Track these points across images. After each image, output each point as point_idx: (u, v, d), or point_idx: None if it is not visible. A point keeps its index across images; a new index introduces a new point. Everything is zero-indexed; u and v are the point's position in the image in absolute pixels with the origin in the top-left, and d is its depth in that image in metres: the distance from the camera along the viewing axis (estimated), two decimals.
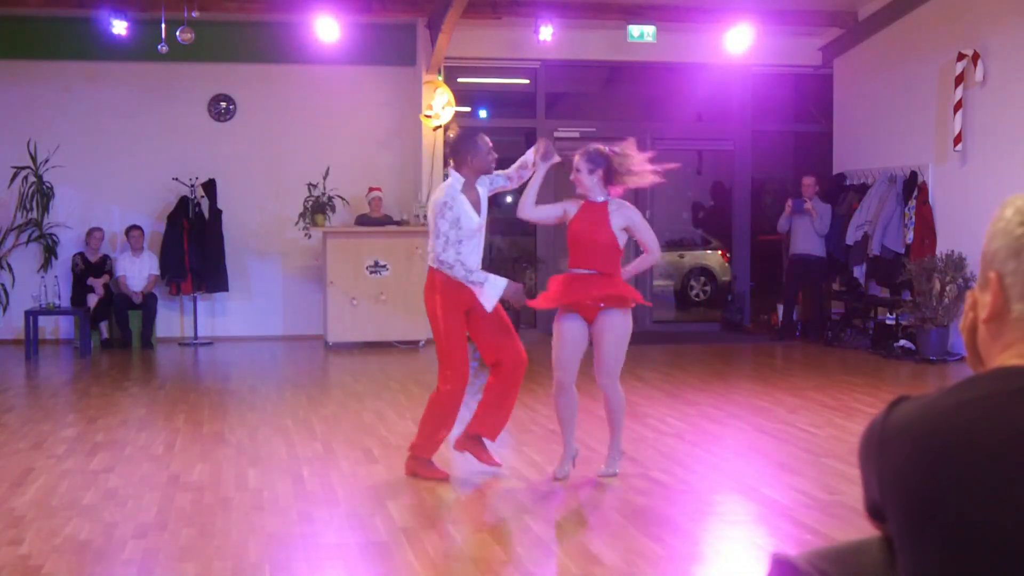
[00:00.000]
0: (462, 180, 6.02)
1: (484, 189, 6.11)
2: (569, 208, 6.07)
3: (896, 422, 1.51)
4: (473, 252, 5.97)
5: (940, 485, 1.41)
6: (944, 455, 1.42)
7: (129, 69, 12.60)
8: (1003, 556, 1.36)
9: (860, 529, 1.61)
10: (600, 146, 6.10)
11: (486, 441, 6.30)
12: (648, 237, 6.05)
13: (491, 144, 6.15)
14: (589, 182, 6.00)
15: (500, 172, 6.24)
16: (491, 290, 5.86)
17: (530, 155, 6.20)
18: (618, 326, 5.93)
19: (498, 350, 6.08)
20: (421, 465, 6.17)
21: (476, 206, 6.01)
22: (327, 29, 11.83)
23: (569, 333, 5.97)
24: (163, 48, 11.36)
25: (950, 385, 1.49)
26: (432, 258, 6.00)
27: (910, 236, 11.58)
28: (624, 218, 5.98)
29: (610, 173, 6.01)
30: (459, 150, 6.09)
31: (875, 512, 1.54)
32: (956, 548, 1.39)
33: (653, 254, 6.14)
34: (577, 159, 6.04)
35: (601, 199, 6.03)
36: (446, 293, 5.97)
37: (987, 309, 1.53)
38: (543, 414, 8.07)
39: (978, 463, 1.39)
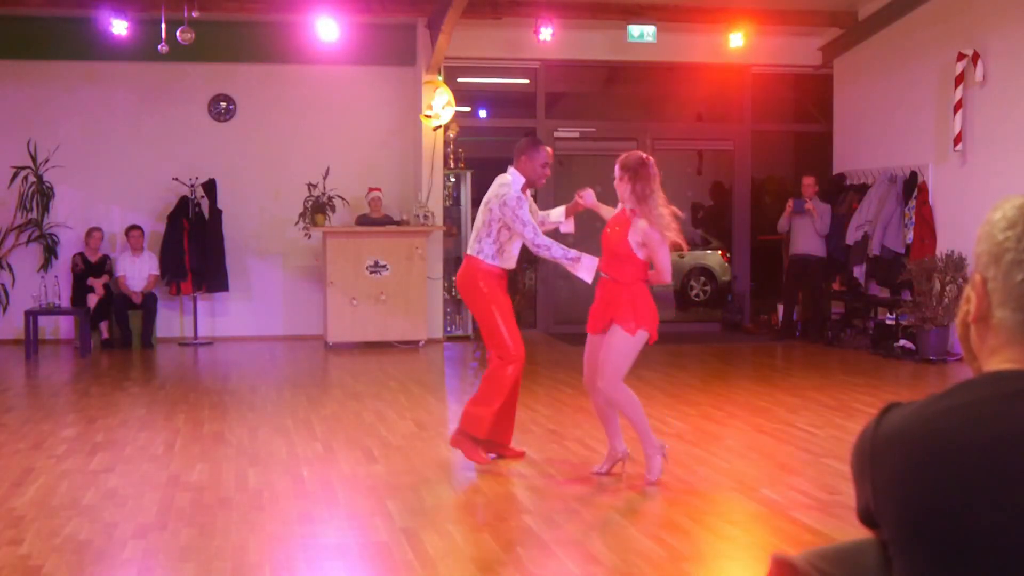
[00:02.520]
0: (521, 180, 6.26)
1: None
2: (612, 212, 6.11)
3: (887, 429, 1.50)
4: (517, 245, 6.35)
5: (933, 491, 1.41)
6: (936, 460, 1.42)
7: (129, 69, 12.60)
8: (997, 560, 1.36)
9: (860, 529, 1.61)
10: (639, 152, 5.96)
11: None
12: (658, 259, 5.82)
13: (550, 160, 6.33)
14: (619, 189, 5.89)
15: (544, 213, 6.52)
16: (589, 264, 6.08)
17: (558, 213, 6.48)
18: (617, 339, 5.85)
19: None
20: (465, 442, 6.38)
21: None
22: (327, 29, 11.83)
23: (588, 346, 6.09)
24: (163, 48, 11.36)
25: (940, 391, 1.49)
26: (473, 247, 6.35)
27: (910, 236, 11.58)
28: (641, 232, 5.80)
29: (636, 181, 5.79)
30: (522, 148, 6.31)
31: (868, 519, 1.54)
32: (950, 553, 1.39)
33: (660, 275, 5.88)
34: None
35: (630, 207, 5.88)
36: (488, 279, 6.30)
37: (973, 310, 1.54)
38: (543, 414, 8.07)
39: (970, 467, 1.39)
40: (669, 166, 15.39)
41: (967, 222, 10.77)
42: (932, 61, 11.53)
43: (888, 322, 11.71)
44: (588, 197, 6.28)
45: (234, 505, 5.54)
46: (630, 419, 5.95)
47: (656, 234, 5.78)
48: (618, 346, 5.84)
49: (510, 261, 6.40)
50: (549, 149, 6.38)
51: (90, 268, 12.37)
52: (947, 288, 10.73)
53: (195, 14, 11.38)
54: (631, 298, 5.86)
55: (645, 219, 5.78)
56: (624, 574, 4.51)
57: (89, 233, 12.37)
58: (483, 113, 14.36)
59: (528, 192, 6.39)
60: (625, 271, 5.88)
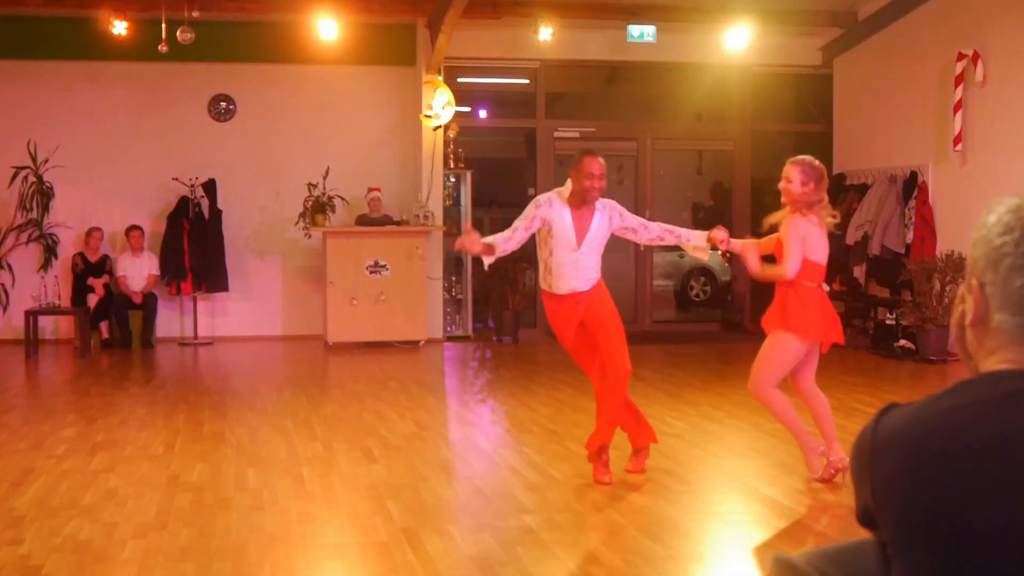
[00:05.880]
0: (568, 189, 5.98)
1: (604, 219, 5.99)
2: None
3: (886, 430, 1.50)
4: (566, 264, 5.97)
5: (932, 491, 1.41)
6: (935, 461, 1.42)
7: (129, 69, 12.60)
8: (997, 559, 1.36)
9: (860, 529, 1.61)
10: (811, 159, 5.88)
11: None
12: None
13: (599, 172, 5.87)
14: (803, 191, 5.80)
15: (656, 224, 6.17)
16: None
17: (693, 236, 6.16)
18: (772, 341, 5.92)
19: (600, 362, 6.06)
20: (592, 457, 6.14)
21: (578, 223, 5.93)
22: (327, 29, 11.83)
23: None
24: (163, 48, 11.36)
25: (939, 391, 1.49)
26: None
27: (910, 236, 11.58)
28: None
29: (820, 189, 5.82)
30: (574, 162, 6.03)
31: (867, 519, 1.54)
32: (950, 553, 1.39)
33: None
34: (794, 170, 5.82)
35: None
36: (551, 316, 6.12)
37: (971, 314, 1.53)
38: (543, 414, 8.08)
39: (969, 467, 1.39)
40: (669, 166, 15.47)
41: (967, 222, 10.76)
42: (932, 61, 11.53)
43: (888, 322, 11.70)
44: (727, 241, 6.11)
45: (234, 505, 5.54)
46: (780, 417, 6.07)
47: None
48: (766, 347, 5.94)
49: (554, 282, 6.05)
50: (594, 158, 5.90)
51: (90, 268, 12.37)
52: (947, 288, 10.73)
53: (195, 14, 11.39)
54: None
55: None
56: (624, 574, 4.51)
57: (89, 233, 12.37)
58: (483, 113, 14.36)
59: (620, 217, 6.03)
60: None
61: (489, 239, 6.05)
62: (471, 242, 5.94)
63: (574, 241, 5.93)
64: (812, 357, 6.02)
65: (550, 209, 5.95)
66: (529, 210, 6.02)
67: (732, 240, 6.14)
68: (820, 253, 5.87)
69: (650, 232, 6.13)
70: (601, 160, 5.91)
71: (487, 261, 6.21)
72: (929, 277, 10.80)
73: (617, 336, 6.00)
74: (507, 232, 6.03)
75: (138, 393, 9.37)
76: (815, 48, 13.57)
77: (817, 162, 5.89)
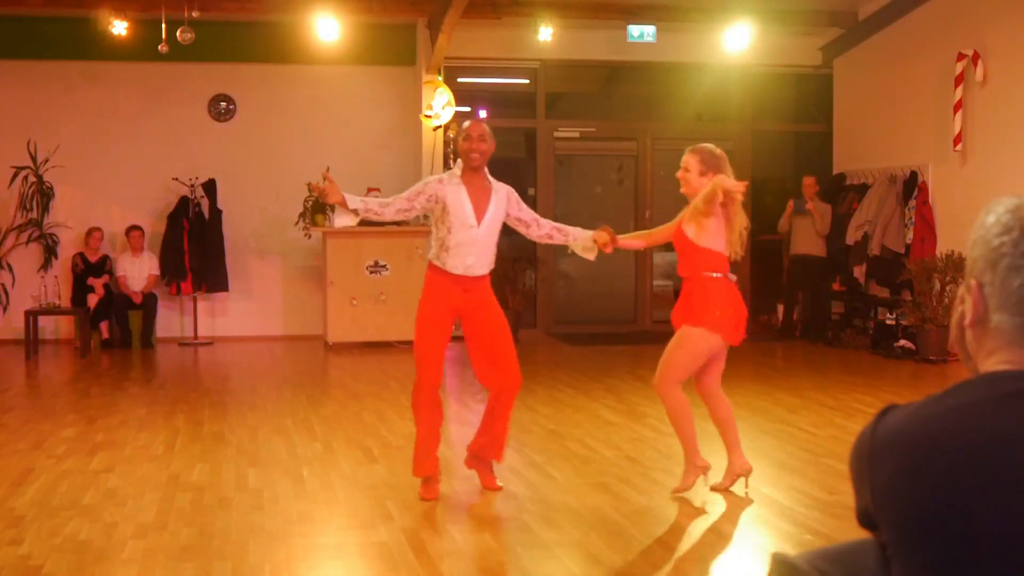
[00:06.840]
0: (460, 167, 5.73)
1: (502, 200, 5.72)
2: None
3: (886, 431, 1.51)
4: (464, 243, 5.61)
5: (931, 492, 1.41)
6: (934, 461, 1.42)
7: (129, 69, 12.60)
8: (996, 560, 1.36)
9: (860, 529, 1.61)
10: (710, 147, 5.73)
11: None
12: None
13: (476, 133, 5.63)
14: (697, 184, 5.63)
15: (547, 222, 5.90)
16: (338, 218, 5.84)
17: (580, 236, 5.89)
18: (678, 336, 5.77)
19: (486, 370, 5.82)
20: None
21: (476, 201, 5.64)
22: (327, 29, 11.83)
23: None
24: (163, 48, 11.37)
25: (938, 392, 1.49)
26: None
27: (910, 236, 11.59)
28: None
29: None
30: None
31: (867, 521, 1.54)
32: (949, 554, 1.39)
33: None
34: (692, 158, 5.67)
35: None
36: (427, 283, 5.77)
37: (969, 315, 1.53)
38: (543, 414, 8.07)
39: (969, 468, 1.39)
40: (669, 166, 15.45)
41: (967, 222, 10.64)
42: (932, 61, 11.53)
43: (888, 322, 11.71)
44: (612, 244, 5.82)
45: (234, 505, 5.54)
46: (673, 420, 5.91)
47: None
48: (674, 344, 5.82)
49: (448, 259, 5.64)
50: (475, 122, 5.73)
51: (90, 268, 12.37)
52: (947, 288, 10.73)
53: (195, 14, 11.38)
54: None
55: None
56: (624, 574, 4.51)
57: (89, 233, 12.37)
58: (483, 113, 14.35)
59: (517, 204, 5.80)
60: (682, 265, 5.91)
61: (361, 198, 5.83)
62: (330, 191, 5.67)
63: (473, 219, 5.61)
64: (718, 358, 5.82)
65: (441, 186, 5.64)
66: (417, 185, 5.79)
67: (619, 238, 5.90)
68: (720, 242, 5.74)
69: (541, 229, 5.85)
70: (485, 126, 5.71)
71: (341, 221, 5.82)
72: (929, 277, 10.80)
73: (511, 344, 5.80)
74: (386, 200, 5.84)
75: (138, 393, 9.37)
76: (815, 48, 13.57)
77: (718, 150, 5.70)
